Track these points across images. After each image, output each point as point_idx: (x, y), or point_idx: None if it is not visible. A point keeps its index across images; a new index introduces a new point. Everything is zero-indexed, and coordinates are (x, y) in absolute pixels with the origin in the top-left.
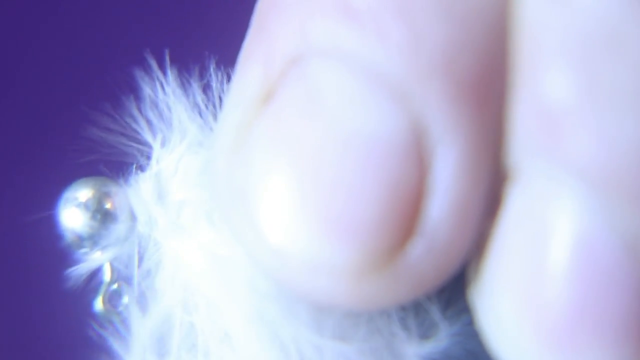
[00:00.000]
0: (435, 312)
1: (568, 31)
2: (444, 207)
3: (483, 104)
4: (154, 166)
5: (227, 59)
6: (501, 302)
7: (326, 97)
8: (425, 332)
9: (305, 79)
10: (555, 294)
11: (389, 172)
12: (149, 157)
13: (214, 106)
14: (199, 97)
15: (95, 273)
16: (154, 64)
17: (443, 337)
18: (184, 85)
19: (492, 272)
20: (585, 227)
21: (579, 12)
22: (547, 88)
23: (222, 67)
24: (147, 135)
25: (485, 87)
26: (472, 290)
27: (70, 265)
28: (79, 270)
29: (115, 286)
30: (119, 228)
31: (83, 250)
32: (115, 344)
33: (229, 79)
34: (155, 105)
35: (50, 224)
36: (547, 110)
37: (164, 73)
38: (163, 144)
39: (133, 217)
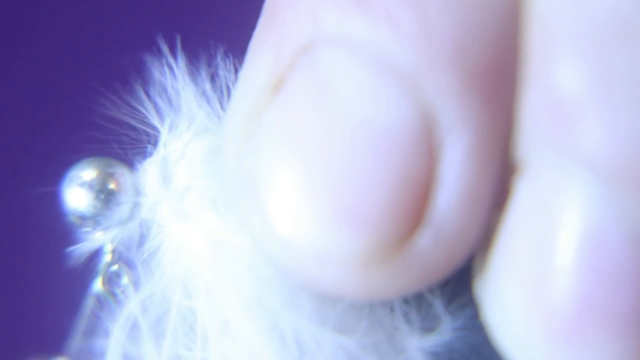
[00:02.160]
0: (438, 305)
1: (580, 22)
2: (452, 197)
3: (493, 94)
4: (160, 150)
5: (236, 47)
6: (508, 295)
7: (336, 86)
8: (428, 326)
9: (315, 68)
10: (563, 287)
11: (398, 162)
12: (156, 141)
13: (222, 93)
14: (208, 84)
15: (97, 253)
16: (164, 49)
17: (446, 330)
18: (193, 72)
19: (499, 265)
20: (594, 220)
21: (591, 2)
22: (559, 79)
23: (231, 56)
24: (155, 120)
25: (496, 77)
26: (478, 283)
27: (72, 244)
28: (80, 249)
29: (115, 267)
30: (122, 209)
31: (85, 230)
32: (112, 324)
33: (237, 67)
34: (164, 90)
35: (54, 202)
36: (558, 101)
37: (174, 59)
38: (171, 129)
39: (137, 200)
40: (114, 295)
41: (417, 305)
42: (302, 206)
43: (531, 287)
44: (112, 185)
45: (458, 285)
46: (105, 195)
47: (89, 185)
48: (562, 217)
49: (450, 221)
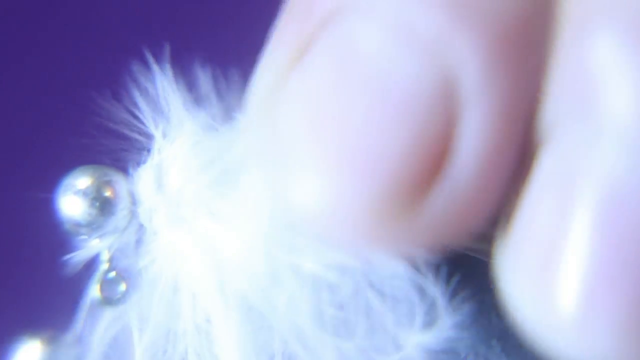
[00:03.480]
0: (438, 301)
1: None
2: (470, 157)
3: (519, 58)
4: (155, 157)
5: (223, 56)
6: (525, 264)
7: (359, 50)
8: (427, 322)
9: (339, 33)
10: (580, 253)
11: (418, 119)
12: (150, 148)
13: (211, 102)
14: (197, 92)
15: (93, 261)
16: (152, 58)
17: (445, 327)
18: (182, 80)
19: (518, 233)
20: (614, 185)
21: None
22: (595, 48)
23: (218, 64)
24: (150, 127)
25: (523, 40)
26: (498, 256)
27: (68, 252)
28: (77, 257)
29: (112, 274)
30: (118, 217)
31: (81, 238)
32: (106, 330)
33: (223, 76)
34: (154, 98)
35: (49, 210)
36: (591, 70)
37: (163, 67)
38: (165, 136)
39: (132, 206)
40: (110, 301)
41: (416, 300)
42: (322, 165)
43: (548, 254)
44: (107, 193)
45: (459, 281)
46: (101, 203)
47: (84, 193)
48: (583, 182)
49: (467, 181)
